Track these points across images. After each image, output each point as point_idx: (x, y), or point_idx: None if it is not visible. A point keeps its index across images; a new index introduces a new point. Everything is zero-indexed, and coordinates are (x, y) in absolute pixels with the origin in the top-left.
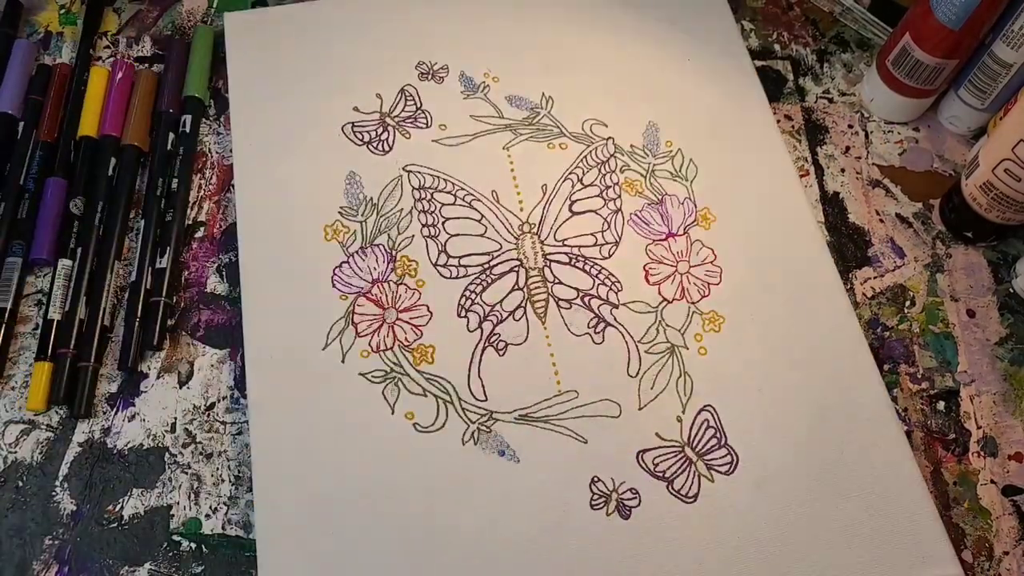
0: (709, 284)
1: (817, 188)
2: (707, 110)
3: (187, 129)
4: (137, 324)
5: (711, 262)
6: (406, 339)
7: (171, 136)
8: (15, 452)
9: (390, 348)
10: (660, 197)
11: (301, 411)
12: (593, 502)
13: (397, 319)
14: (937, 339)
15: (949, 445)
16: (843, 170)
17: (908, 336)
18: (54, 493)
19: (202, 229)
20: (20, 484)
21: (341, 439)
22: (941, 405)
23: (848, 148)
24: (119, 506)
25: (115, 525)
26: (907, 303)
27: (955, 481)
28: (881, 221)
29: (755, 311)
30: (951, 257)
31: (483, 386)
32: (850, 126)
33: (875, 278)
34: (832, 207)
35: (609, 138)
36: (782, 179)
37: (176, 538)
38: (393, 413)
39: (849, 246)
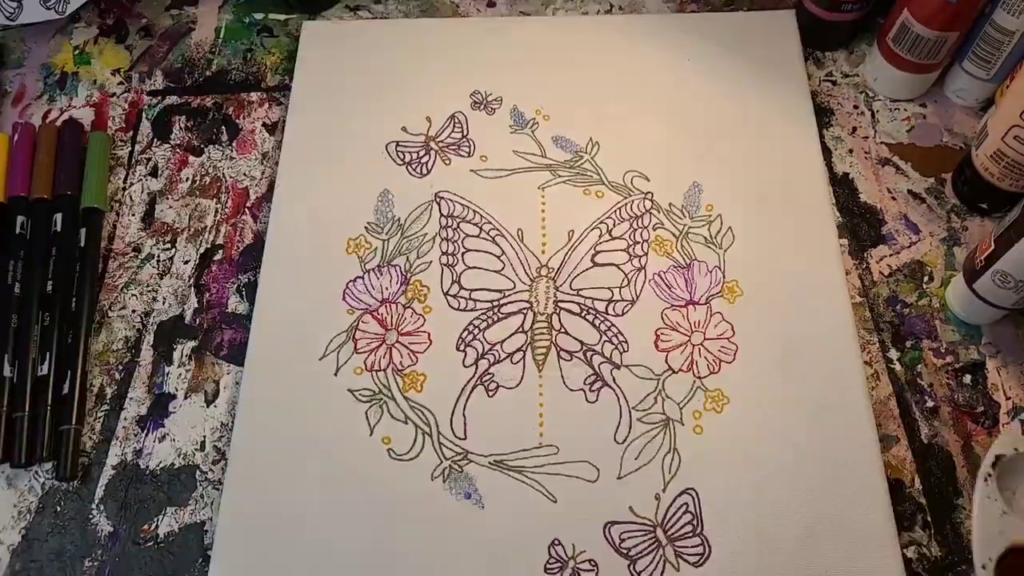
0: (721, 361)
1: (825, 170)
2: (758, 181)
3: (83, 243)
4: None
5: (728, 338)
6: (401, 363)
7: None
8: (51, 478)
9: (383, 369)
10: (689, 261)
11: (286, 416)
12: (548, 565)
13: (397, 341)
14: None
15: (978, 418)
16: (851, 151)
17: (929, 311)
18: (91, 516)
19: (220, 252)
20: (58, 509)
21: (315, 451)
22: (967, 378)
23: (855, 129)
24: (154, 525)
25: (151, 544)
26: (925, 278)
27: None
28: (893, 199)
29: (764, 400)
30: (967, 230)
31: (465, 425)
32: (855, 107)
33: (891, 255)
34: (842, 188)
35: (648, 193)
36: (824, 265)
37: (211, 553)
38: (371, 435)
39: (862, 226)
